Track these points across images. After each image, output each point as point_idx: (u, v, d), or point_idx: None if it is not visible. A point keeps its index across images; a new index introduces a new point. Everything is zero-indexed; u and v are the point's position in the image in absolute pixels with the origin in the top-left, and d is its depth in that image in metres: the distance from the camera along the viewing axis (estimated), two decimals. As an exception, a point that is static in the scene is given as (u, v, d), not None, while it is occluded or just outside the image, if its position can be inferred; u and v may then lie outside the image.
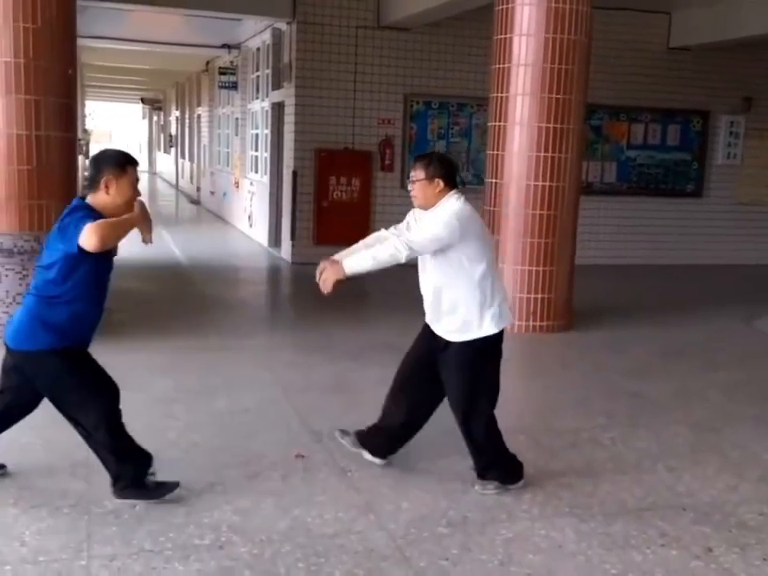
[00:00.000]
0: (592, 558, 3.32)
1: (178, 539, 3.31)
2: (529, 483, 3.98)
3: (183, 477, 3.79)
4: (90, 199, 3.46)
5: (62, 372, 3.46)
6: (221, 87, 15.35)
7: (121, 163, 3.48)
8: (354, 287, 9.68)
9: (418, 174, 3.76)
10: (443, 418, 4.84)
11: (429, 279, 3.87)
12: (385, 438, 4.11)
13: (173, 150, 26.99)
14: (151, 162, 36.81)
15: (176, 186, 25.65)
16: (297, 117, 10.78)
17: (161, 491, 3.60)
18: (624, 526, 3.59)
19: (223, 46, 14.59)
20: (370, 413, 4.98)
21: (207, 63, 17.29)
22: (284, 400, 5.22)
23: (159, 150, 33.87)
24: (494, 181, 7.46)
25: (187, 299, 8.57)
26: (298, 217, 10.92)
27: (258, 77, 13.47)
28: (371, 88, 10.92)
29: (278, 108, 11.99)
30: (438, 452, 4.34)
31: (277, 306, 9.38)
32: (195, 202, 20.27)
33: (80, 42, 13.90)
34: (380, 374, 5.84)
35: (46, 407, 3.62)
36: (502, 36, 7.28)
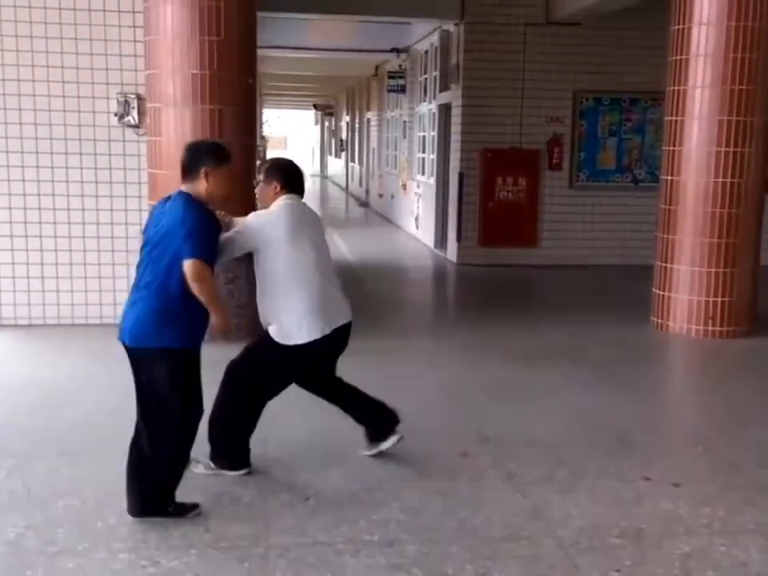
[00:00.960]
0: (779, 579, 3.11)
1: (349, 534, 3.39)
2: (708, 497, 3.78)
3: (353, 475, 3.90)
4: (186, 188, 3.49)
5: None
6: (389, 91, 15.61)
7: (222, 155, 3.55)
8: (519, 288, 9.63)
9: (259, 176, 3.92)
10: (615, 426, 4.71)
11: None
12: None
13: (343, 154, 27.75)
14: (323, 166, 37.98)
15: (346, 189, 26.33)
16: (463, 117, 10.78)
17: (179, 512, 3.51)
18: (816, 548, 3.34)
19: (392, 50, 14.81)
20: (539, 415, 4.94)
21: (377, 68, 17.64)
22: (450, 401, 5.24)
23: (330, 154, 34.89)
24: (670, 178, 7.14)
25: (354, 300, 8.74)
26: (464, 218, 10.93)
27: (425, 79, 13.60)
28: (539, 86, 10.74)
29: (444, 110, 12.05)
30: (607, 460, 4.21)
31: (442, 307, 9.42)
32: (364, 204, 20.73)
33: (260, 52, 14.63)
34: (551, 376, 5.80)
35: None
36: (680, 26, 6.95)
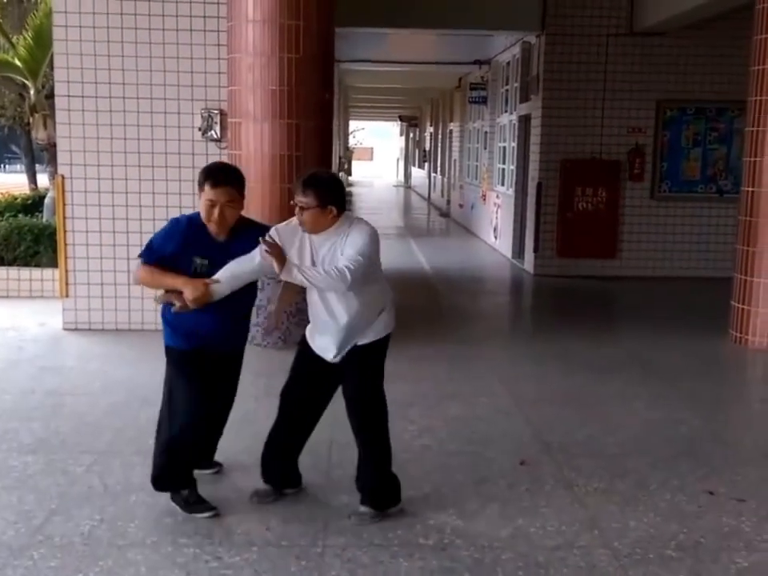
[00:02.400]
0: (841, 600, 3.04)
1: (405, 537, 3.48)
2: (773, 513, 3.72)
3: (413, 478, 3.98)
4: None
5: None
6: (471, 102, 15.68)
7: (200, 180, 3.54)
8: (595, 299, 9.53)
9: (309, 201, 3.44)
10: (681, 439, 4.66)
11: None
12: None
13: (426, 164, 27.90)
14: (406, 176, 38.26)
15: (428, 199, 26.46)
16: (543, 128, 10.75)
17: (193, 509, 3.64)
18: None
19: (475, 62, 14.88)
20: (604, 426, 4.93)
21: (460, 79, 17.72)
22: (516, 410, 5.26)
23: (414, 164, 35.12)
24: (750, 189, 6.98)
25: (430, 308, 8.86)
26: (542, 228, 10.88)
27: (506, 90, 13.61)
28: (621, 96, 10.64)
29: (524, 120, 12.04)
30: (671, 473, 4.17)
31: (516, 317, 9.40)
32: (445, 214, 20.81)
33: (343, 66, 14.98)
34: (621, 387, 5.75)
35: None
36: (762, 36, 6.82)
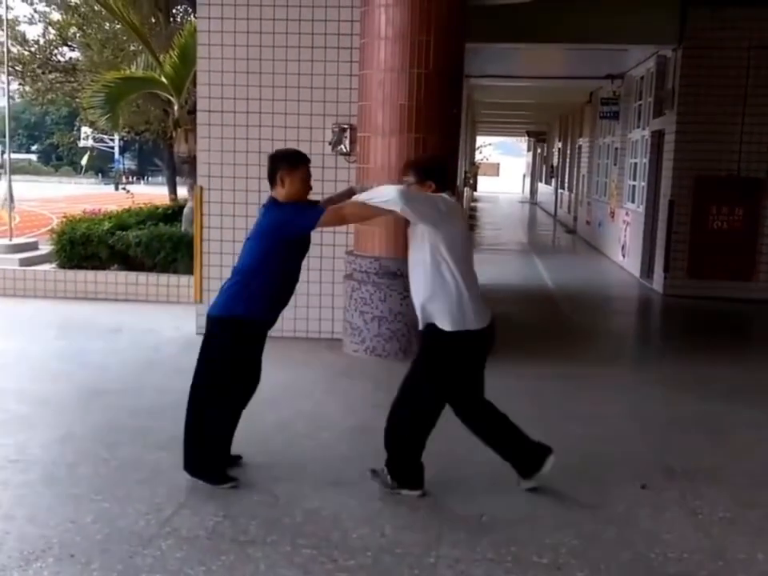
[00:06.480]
0: None
1: (519, 554, 3.45)
2: None
3: (528, 496, 3.94)
4: (273, 194, 4.00)
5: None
6: (602, 117, 15.36)
7: (292, 161, 3.99)
8: (728, 321, 9.10)
9: (409, 178, 3.86)
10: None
11: None
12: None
13: (553, 180, 27.52)
14: (533, 192, 37.82)
15: (554, 216, 26.08)
16: (677, 144, 10.43)
17: (221, 480, 4.00)
18: None
19: (607, 76, 14.58)
20: (732, 453, 4.73)
21: (590, 94, 17.42)
22: (639, 433, 5.12)
23: (540, 180, 34.70)
24: None
25: (554, 326, 8.73)
26: (673, 247, 10.53)
27: (639, 105, 13.28)
28: (762, 111, 10.18)
29: (657, 136, 11.70)
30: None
31: (644, 338, 9.13)
32: (571, 231, 20.45)
33: (473, 81, 15.01)
34: (749, 414, 5.50)
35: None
36: None
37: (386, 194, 3.72)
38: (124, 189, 14.51)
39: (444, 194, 3.86)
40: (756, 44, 10.11)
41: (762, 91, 10.13)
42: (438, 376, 3.87)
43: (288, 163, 3.99)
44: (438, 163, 4.06)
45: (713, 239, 10.32)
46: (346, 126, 7.19)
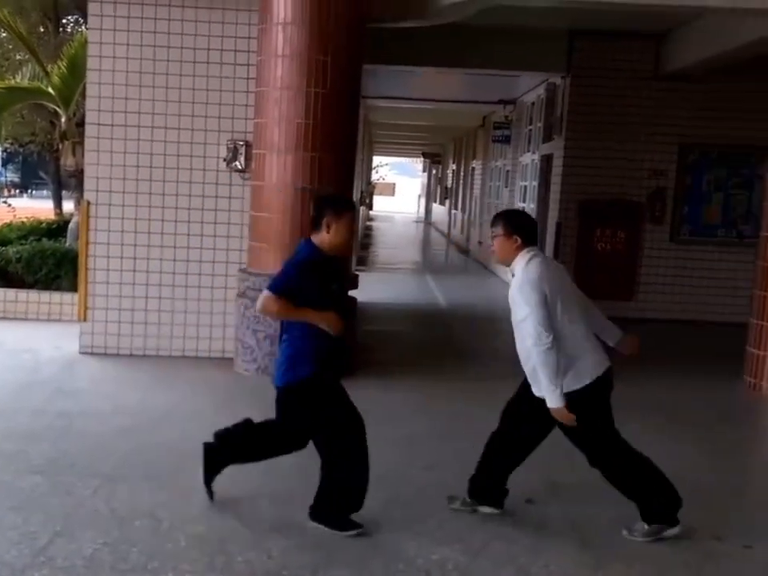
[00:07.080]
0: None
1: (407, 571, 3.46)
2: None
3: (410, 513, 3.96)
4: (313, 238, 3.82)
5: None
6: (494, 141, 15.78)
7: (339, 208, 3.83)
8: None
9: (497, 229, 3.89)
10: (690, 481, 4.59)
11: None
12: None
13: (447, 201, 28.02)
14: (428, 212, 38.41)
15: (447, 236, 26.52)
16: (564, 168, 10.81)
17: (347, 526, 3.78)
18: None
19: (499, 101, 14.97)
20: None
21: (484, 118, 17.86)
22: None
23: (435, 201, 35.27)
24: (768, 234, 6.97)
25: (442, 344, 8.85)
26: (560, 268, 10.86)
27: (530, 130, 13.71)
28: (644, 138, 10.67)
29: (546, 160, 12.10)
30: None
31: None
32: (464, 251, 20.84)
33: (369, 101, 15.15)
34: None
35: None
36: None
37: (539, 362, 3.91)
38: (5, 202, 13.83)
39: (538, 252, 3.93)
40: (638, 74, 10.60)
41: (644, 119, 10.61)
42: None
43: (335, 209, 3.82)
44: (528, 219, 4.05)
45: (597, 260, 10.72)
46: (241, 143, 7.11)
